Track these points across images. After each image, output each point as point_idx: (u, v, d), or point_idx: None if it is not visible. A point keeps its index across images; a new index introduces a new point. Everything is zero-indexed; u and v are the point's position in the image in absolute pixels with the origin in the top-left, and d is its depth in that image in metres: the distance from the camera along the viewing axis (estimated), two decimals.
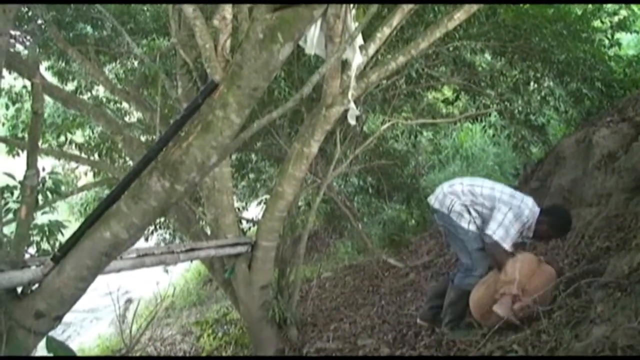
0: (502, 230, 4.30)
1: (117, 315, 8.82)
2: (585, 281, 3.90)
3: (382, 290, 7.34)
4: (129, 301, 12.52)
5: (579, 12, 7.56)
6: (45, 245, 4.19)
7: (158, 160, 2.92)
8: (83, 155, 8.86)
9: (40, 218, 4.58)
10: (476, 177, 4.94)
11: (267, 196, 8.81)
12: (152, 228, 9.42)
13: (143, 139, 8.00)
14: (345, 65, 5.07)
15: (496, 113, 8.67)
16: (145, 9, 7.98)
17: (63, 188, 4.85)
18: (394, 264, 8.19)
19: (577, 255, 4.93)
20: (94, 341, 11.43)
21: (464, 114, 9.24)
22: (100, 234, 2.89)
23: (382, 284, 7.77)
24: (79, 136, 9.50)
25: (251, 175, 10.39)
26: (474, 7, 4.87)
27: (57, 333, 3.08)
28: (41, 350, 2.97)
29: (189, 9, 4.90)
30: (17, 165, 4.81)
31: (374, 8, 4.36)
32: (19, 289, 3.05)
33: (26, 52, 7.37)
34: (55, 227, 4.20)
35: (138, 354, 7.94)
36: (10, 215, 3.90)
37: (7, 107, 8.82)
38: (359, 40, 4.79)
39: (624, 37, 8.86)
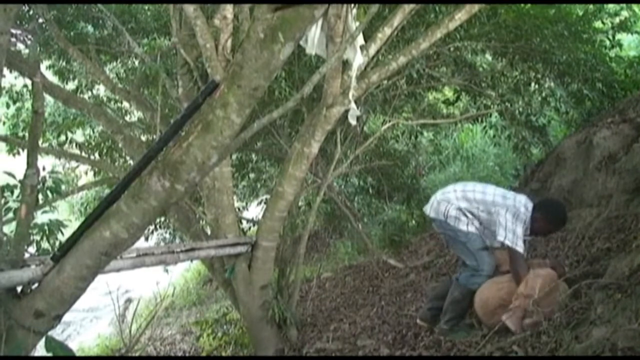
0: (510, 234, 4.28)
1: (117, 315, 8.82)
2: (586, 282, 3.90)
3: (382, 291, 7.33)
4: (128, 301, 12.53)
5: (580, 13, 7.56)
6: (45, 245, 4.18)
7: (158, 159, 2.91)
8: (83, 154, 8.88)
9: (40, 217, 4.58)
10: (467, 181, 4.92)
11: (268, 196, 8.84)
12: (152, 228, 9.43)
13: (143, 138, 8.00)
14: (346, 65, 5.07)
15: (497, 114, 8.67)
16: (146, 8, 7.98)
17: (63, 187, 4.85)
18: (394, 264, 8.18)
19: (578, 257, 4.92)
20: (93, 340, 11.43)
21: (464, 114, 9.25)
22: (100, 234, 2.89)
23: (382, 284, 7.76)
24: (79, 135, 9.51)
25: (251, 175, 10.40)
26: (475, 8, 4.87)
27: (56, 332, 3.08)
28: (41, 349, 2.97)
29: (190, 8, 4.92)
30: (18, 164, 4.80)
31: (374, 8, 4.35)
32: (19, 288, 3.05)
33: (27, 51, 7.37)
34: (55, 226, 4.20)
35: (138, 354, 7.93)
36: (10, 215, 3.90)
37: (7, 106, 8.83)
38: (360, 40, 4.79)
39: (625, 38, 8.86)
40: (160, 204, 2.86)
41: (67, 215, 11.77)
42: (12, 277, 2.95)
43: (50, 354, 2.43)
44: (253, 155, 9.65)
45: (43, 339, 2.82)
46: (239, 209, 10.22)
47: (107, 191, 9.31)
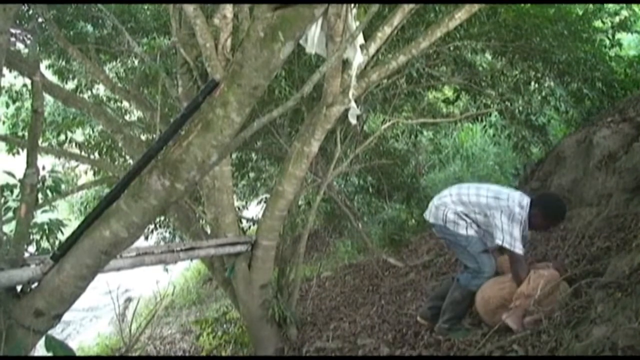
0: (507, 236, 4.27)
1: (117, 314, 8.82)
2: (586, 281, 3.90)
3: (381, 290, 7.33)
4: (128, 300, 12.54)
5: (580, 13, 7.56)
6: (45, 244, 4.19)
7: (158, 158, 2.91)
8: (83, 153, 8.88)
9: (40, 217, 4.58)
10: (462, 184, 4.89)
11: (267, 195, 8.84)
12: (152, 227, 9.44)
13: (143, 137, 8.00)
14: (345, 64, 5.07)
15: (497, 113, 8.67)
16: (146, 7, 7.98)
17: (63, 186, 4.86)
18: (393, 263, 8.18)
19: (578, 256, 4.91)
20: (93, 340, 11.43)
21: (464, 113, 9.24)
22: (100, 233, 2.89)
23: (381, 283, 7.76)
24: (79, 135, 9.51)
25: (251, 174, 10.40)
26: (475, 7, 4.86)
27: (56, 332, 3.08)
28: (40, 348, 2.97)
29: (189, 7, 4.91)
30: (17, 163, 4.80)
31: (375, 7, 4.36)
32: (19, 288, 3.05)
33: (26, 50, 7.37)
34: (55, 225, 4.21)
35: (137, 353, 7.94)
36: (10, 214, 3.90)
37: (7, 106, 8.83)
38: (360, 39, 4.79)
39: (624, 37, 8.86)
40: (160, 203, 2.86)
41: (66, 214, 11.78)
42: (12, 276, 2.96)
43: (50, 353, 2.43)
44: (253, 155, 9.65)
45: (43, 338, 2.82)
46: (238, 208, 10.23)
47: (106, 190, 9.31)
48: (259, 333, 5.92)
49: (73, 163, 10.23)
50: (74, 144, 9.00)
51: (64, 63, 8.21)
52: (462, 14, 4.86)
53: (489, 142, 10.97)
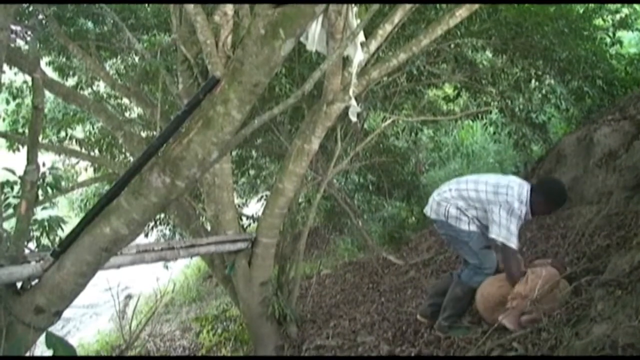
0: (504, 231, 4.26)
1: (117, 311, 8.83)
2: (586, 279, 3.89)
3: (382, 288, 7.34)
4: (128, 297, 12.54)
5: (581, 10, 7.55)
6: (45, 241, 4.19)
7: (159, 156, 2.91)
8: (83, 150, 8.88)
9: (40, 213, 4.58)
10: (461, 178, 4.86)
11: (268, 192, 8.83)
12: (152, 224, 9.43)
13: (143, 134, 8.01)
14: (346, 61, 5.07)
15: (497, 111, 8.67)
16: (146, 4, 7.97)
17: (63, 183, 4.85)
18: (394, 261, 8.18)
19: (578, 254, 4.92)
20: (93, 336, 11.44)
21: (464, 111, 9.24)
22: (100, 230, 2.89)
23: (382, 281, 7.76)
24: (79, 132, 9.52)
25: (251, 172, 10.40)
26: (476, 5, 4.86)
27: (56, 328, 3.09)
28: (41, 345, 2.97)
29: (190, 4, 4.90)
30: (18, 160, 4.80)
31: (376, 5, 4.35)
32: (19, 284, 3.05)
33: (27, 47, 7.37)
34: (55, 222, 4.20)
35: (137, 350, 7.94)
36: (10, 211, 3.90)
37: (7, 102, 8.82)
38: (360, 37, 4.78)
39: (625, 35, 8.84)
40: (161, 200, 2.86)
41: (66, 211, 11.77)
42: (12, 273, 2.96)
43: (51, 350, 2.42)
44: (253, 152, 9.64)
45: (43, 335, 2.82)
46: (239, 206, 10.23)
47: (106, 187, 9.33)
48: (258, 330, 5.92)
49: (73, 160, 10.22)
50: (74, 141, 9.00)
51: (64, 60, 8.22)
52: (462, 11, 4.85)
53: (489, 139, 10.96)
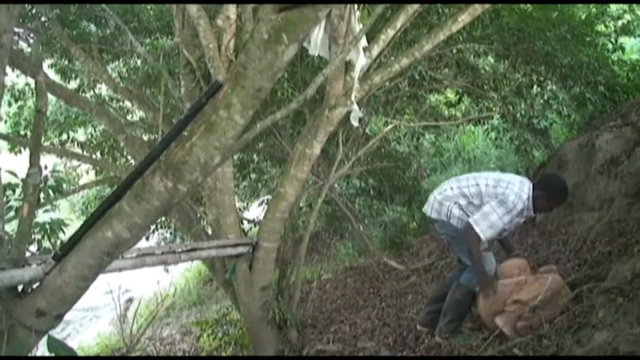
0: (478, 215, 4.26)
1: (118, 315, 8.83)
2: (587, 286, 3.89)
3: (382, 293, 7.33)
4: (129, 300, 12.53)
5: (583, 16, 7.56)
6: (46, 244, 4.18)
7: (161, 160, 2.91)
8: (85, 153, 8.88)
9: (42, 216, 4.58)
10: (460, 176, 4.83)
11: (269, 197, 8.83)
12: (153, 227, 9.42)
13: (145, 138, 8.01)
14: (348, 66, 5.07)
15: (499, 116, 8.67)
16: (149, 7, 7.99)
17: (65, 186, 4.85)
18: (395, 266, 8.18)
19: (579, 260, 4.92)
20: (93, 340, 11.43)
21: (466, 116, 9.25)
22: (102, 234, 2.89)
23: (382, 286, 7.76)
24: (81, 134, 9.52)
25: (253, 176, 10.40)
26: (478, 10, 4.86)
27: (56, 331, 3.09)
28: (42, 348, 2.97)
29: (193, 8, 4.91)
30: (20, 162, 4.80)
31: (378, 9, 4.36)
32: (20, 287, 3.05)
33: (29, 49, 7.38)
34: (57, 225, 4.20)
35: (138, 354, 7.94)
36: (12, 213, 3.90)
37: (9, 105, 8.83)
38: (363, 41, 4.79)
39: (627, 41, 8.84)
40: (163, 205, 2.86)
41: (68, 214, 11.79)
42: (14, 276, 2.95)
43: (52, 354, 2.43)
44: (254, 156, 9.65)
45: (44, 338, 2.82)
46: (240, 209, 10.22)
47: (108, 190, 9.34)
48: (259, 335, 5.92)
49: (75, 162, 10.23)
50: (75, 144, 9.00)
51: (66, 62, 8.22)
52: (465, 17, 4.86)
53: (491, 145, 10.95)
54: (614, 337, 2.93)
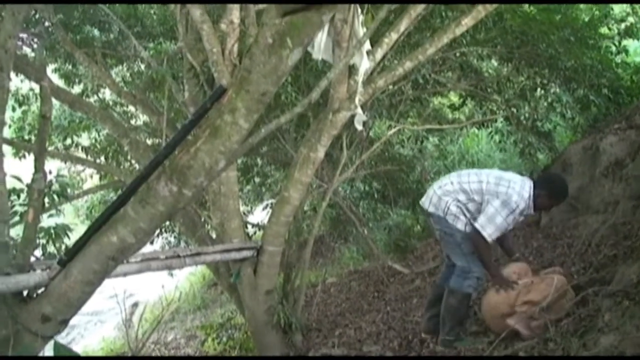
0: (484, 219, 4.24)
1: (123, 319, 8.82)
2: (593, 290, 3.88)
3: (387, 296, 7.32)
4: (134, 305, 12.52)
5: (586, 19, 7.54)
6: (51, 248, 4.19)
7: (166, 164, 2.92)
8: (89, 158, 8.89)
9: (46, 221, 4.58)
10: (462, 171, 4.80)
11: (273, 200, 8.83)
12: (157, 232, 9.42)
13: (149, 142, 8.01)
14: (352, 70, 5.07)
15: (502, 119, 8.66)
16: (152, 12, 8.01)
17: (69, 191, 4.85)
18: (399, 269, 8.16)
19: (584, 263, 4.90)
20: (98, 344, 11.44)
21: (470, 119, 9.24)
22: (107, 238, 2.89)
23: (387, 289, 7.74)
24: (85, 139, 9.53)
25: (257, 180, 10.38)
26: (482, 13, 4.85)
27: (61, 336, 3.08)
28: (47, 353, 2.97)
29: (196, 12, 4.92)
30: (24, 167, 4.81)
31: (382, 13, 4.36)
32: (25, 293, 3.05)
33: (33, 54, 7.39)
34: (62, 230, 4.20)
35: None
36: (17, 218, 3.90)
37: (13, 109, 8.84)
38: (367, 45, 4.79)
39: (631, 44, 8.83)
40: (168, 209, 2.86)
41: (72, 218, 11.79)
42: (19, 281, 2.96)
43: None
44: (259, 160, 9.65)
45: (50, 343, 2.82)
46: (244, 213, 10.22)
47: (112, 195, 9.36)
48: (264, 339, 5.91)
49: (79, 167, 10.24)
50: (80, 148, 9.01)
51: (70, 67, 8.26)
52: (468, 20, 4.86)
53: (495, 148, 10.94)
54: (620, 341, 2.92)
